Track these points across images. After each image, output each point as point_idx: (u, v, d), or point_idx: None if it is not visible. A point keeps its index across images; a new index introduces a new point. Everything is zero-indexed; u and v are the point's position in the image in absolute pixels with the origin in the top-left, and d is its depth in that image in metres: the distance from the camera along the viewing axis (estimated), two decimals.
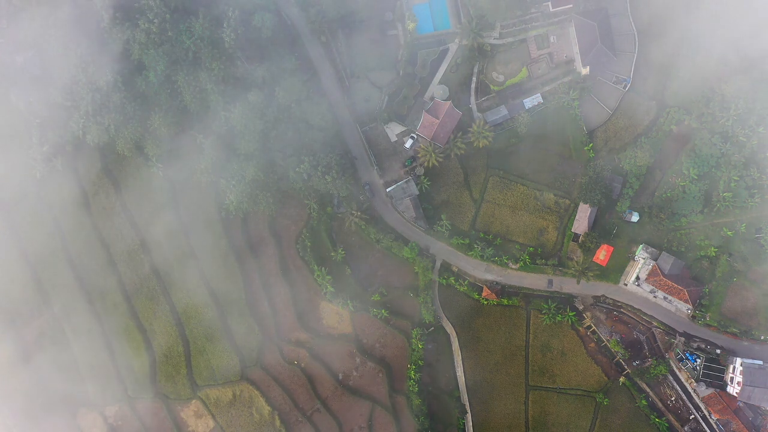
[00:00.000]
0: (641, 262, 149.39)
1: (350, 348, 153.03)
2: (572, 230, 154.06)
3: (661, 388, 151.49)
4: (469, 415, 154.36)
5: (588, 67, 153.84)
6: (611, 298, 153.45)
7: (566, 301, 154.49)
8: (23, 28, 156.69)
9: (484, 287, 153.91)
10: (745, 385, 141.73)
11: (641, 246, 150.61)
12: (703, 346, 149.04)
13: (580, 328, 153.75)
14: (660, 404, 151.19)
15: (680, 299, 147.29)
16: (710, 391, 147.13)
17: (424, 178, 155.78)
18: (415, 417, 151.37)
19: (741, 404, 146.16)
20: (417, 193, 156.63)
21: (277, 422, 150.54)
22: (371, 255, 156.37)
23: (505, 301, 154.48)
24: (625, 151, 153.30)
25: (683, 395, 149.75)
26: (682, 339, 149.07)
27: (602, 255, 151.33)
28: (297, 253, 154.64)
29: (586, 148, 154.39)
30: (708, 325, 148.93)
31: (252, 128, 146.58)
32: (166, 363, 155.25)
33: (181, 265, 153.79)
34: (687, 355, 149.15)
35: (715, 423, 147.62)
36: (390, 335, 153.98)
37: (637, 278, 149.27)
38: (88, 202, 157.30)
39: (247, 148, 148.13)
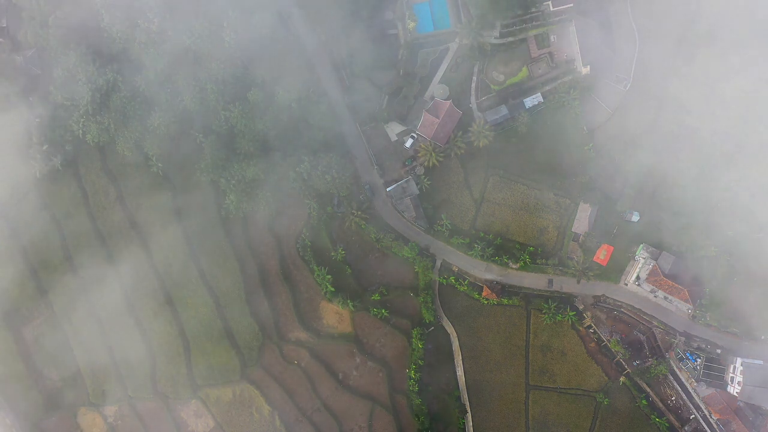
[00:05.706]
0: (641, 262, 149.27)
1: (350, 348, 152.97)
2: (572, 230, 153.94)
3: (662, 387, 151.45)
4: (469, 415, 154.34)
5: (588, 66, 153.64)
6: (611, 298, 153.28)
7: (566, 300, 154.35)
8: (23, 27, 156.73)
9: (485, 287, 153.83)
10: (745, 384, 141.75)
11: (641, 246, 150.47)
12: (704, 345, 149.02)
13: (581, 328, 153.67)
14: (660, 404, 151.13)
15: (680, 299, 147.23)
16: (710, 390, 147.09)
17: (424, 178, 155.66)
18: (415, 417, 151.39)
19: (741, 404, 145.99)
20: (417, 192, 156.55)
21: (277, 422, 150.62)
22: (371, 255, 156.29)
23: (506, 301, 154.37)
24: (625, 151, 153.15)
25: (683, 395, 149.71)
26: (683, 339, 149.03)
27: (602, 255, 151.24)
28: (297, 252, 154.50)
29: (586, 147, 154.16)
30: (708, 325, 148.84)
31: (252, 128, 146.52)
32: (166, 363, 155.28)
33: (180, 265, 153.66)
34: (687, 354, 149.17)
35: (716, 423, 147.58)
36: (390, 335, 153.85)
37: (638, 278, 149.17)
38: (87, 201, 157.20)
39: (247, 148, 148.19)
